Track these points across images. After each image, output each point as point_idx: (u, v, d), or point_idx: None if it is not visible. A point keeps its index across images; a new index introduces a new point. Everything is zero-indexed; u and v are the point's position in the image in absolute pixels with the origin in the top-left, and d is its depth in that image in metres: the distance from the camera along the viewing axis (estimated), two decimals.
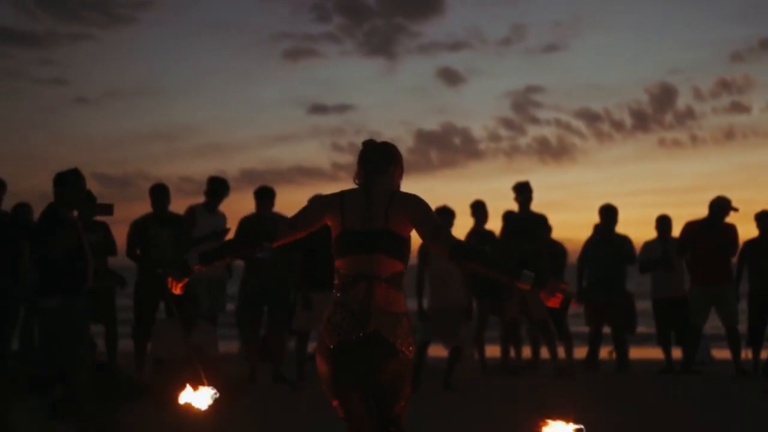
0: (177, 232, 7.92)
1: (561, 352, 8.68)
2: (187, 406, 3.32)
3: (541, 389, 7.55)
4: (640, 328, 9.63)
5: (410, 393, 3.36)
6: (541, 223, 8.82)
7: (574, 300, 3.21)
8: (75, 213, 5.48)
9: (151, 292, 7.73)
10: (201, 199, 8.17)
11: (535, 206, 8.88)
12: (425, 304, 7.94)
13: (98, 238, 7.38)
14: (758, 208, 8.83)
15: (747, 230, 8.84)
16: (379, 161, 3.37)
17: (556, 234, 9.32)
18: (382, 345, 3.21)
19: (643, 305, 9.95)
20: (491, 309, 8.93)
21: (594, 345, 9.24)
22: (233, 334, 11.16)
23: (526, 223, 8.74)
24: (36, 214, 8.59)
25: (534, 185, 8.82)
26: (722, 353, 10.50)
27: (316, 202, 3.49)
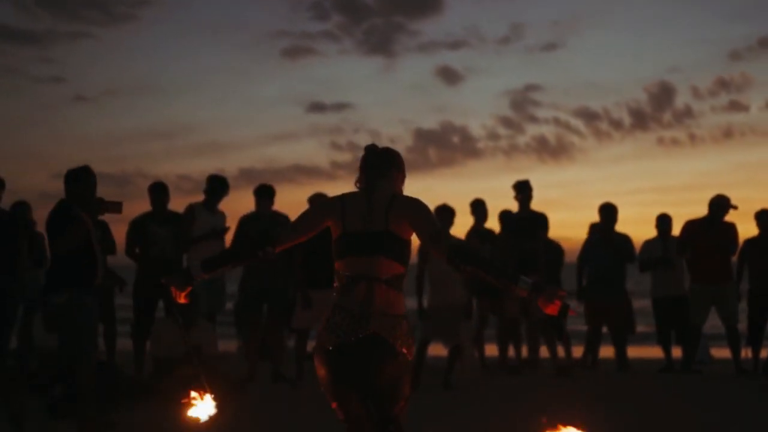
0: (176, 230, 7.90)
1: (560, 351, 8.67)
2: (192, 419, 3.31)
3: (541, 389, 7.55)
4: (640, 327, 9.63)
5: (410, 392, 3.35)
6: (541, 221, 8.82)
7: (572, 309, 3.14)
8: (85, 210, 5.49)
9: (150, 291, 7.72)
10: (200, 197, 8.16)
11: (534, 205, 8.89)
12: (425, 302, 7.95)
13: (97, 236, 7.36)
14: (757, 207, 8.84)
15: (746, 229, 8.86)
16: (380, 166, 3.38)
17: (555, 233, 9.33)
18: (382, 346, 3.19)
19: (643, 304, 9.95)
20: (491, 308, 8.92)
21: (593, 344, 9.24)
22: (232, 333, 11.18)
23: (526, 222, 8.73)
24: (35, 212, 8.62)
25: (532, 184, 8.83)
26: (722, 352, 10.50)
27: (317, 205, 3.48)
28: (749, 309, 8.76)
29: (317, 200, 7.90)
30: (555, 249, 9.30)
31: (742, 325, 8.84)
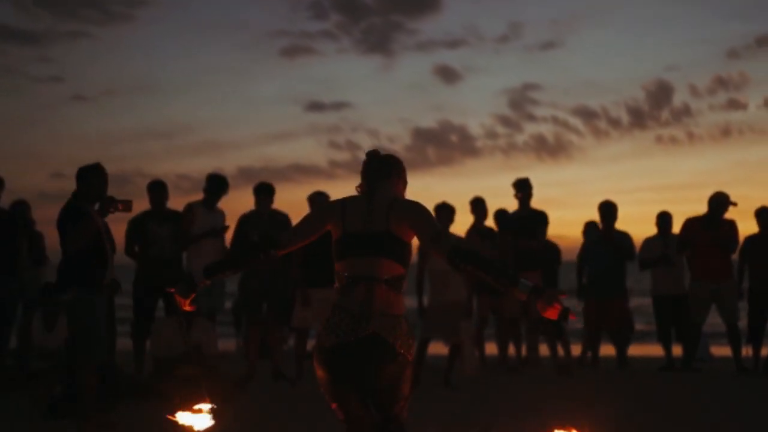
0: (175, 229, 7.89)
1: (559, 350, 8.67)
2: (187, 428, 3.29)
3: (541, 387, 7.55)
4: (640, 326, 9.63)
5: (410, 392, 3.34)
6: (541, 219, 8.81)
7: (572, 313, 3.12)
8: (96, 207, 5.49)
9: (149, 290, 7.71)
10: (199, 196, 8.15)
11: (533, 204, 8.88)
12: (425, 301, 7.94)
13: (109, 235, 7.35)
14: (755, 205, 8.85)
15: (745, 227, 8.86)
16: (381, 171, 3.39)
17: (553, 231, 9.32)
18: (382, 347, 3.18)
19: (643, 302, 9.95)
20: (491, 307, 8.91)
21: (594, 343, 9.23)
22: (232, 332, 11.18)
23: (527, 221, 8.72)
24: (34, 212, 8.61)
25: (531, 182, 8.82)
26: (721, 350, 10.50)
27: (318, 209, 3.48)
28: (749, 307, 8.75)
29: (317, 199, 7.90)
30: (552, 249, 9.30)
31: (743, 323, 8.83)
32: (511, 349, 9.06)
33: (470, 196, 9.03)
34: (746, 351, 8.86)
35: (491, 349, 9.73)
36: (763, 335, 8.77)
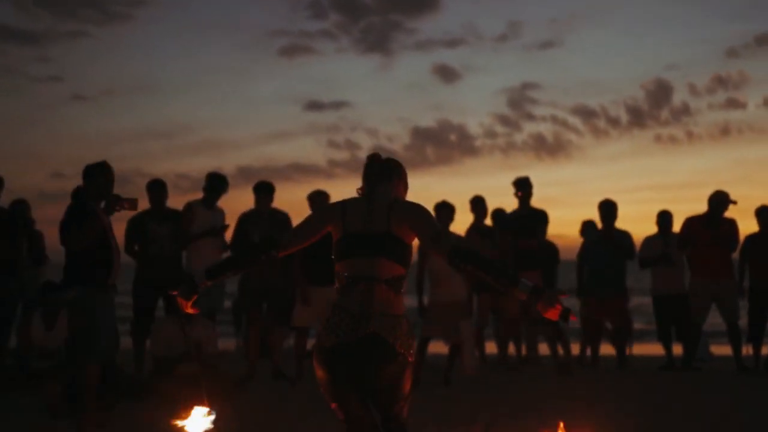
0: (175, 227, 7.88)
1: (559, 349, 8.66)
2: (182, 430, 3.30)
3: (542, 386, 7.54)
4: (641, 325, 9.62)
5: (411, 391, 3.33)
6: (541, 218, 8.80)
7: (573, 314, 3.11)
8: (102, 205, 5.49)
9: (149, 289, 7.70)
10: (198, 196, 8.14)
11: (532, 203, 8.87)
12: (425, 300, 7.94)
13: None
14: (754, 204, 8.85)
15: (744, 226, 8.86)
16: (382, 174, 3.40)
17: (552, 231, 9.32)
18: (382, 346, 3.18)
19: (643, 301, 9.94)
20: (491, 306, 8.91)
21: (594, 342, 9.23)
22: (231, 331, 11.17)
23: (527, 220, 8.71)
24: (33, 212, 8.61)
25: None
26: (721, 349, 10.50)
27: (319, 211, 3.48)
28: (750, 306, 8.75)
29: (317, 198, 7.89)
30: (550, 248, 9.30)
31: (743, 322, 8.83)
32: (511, 349, 9.06)
33: (469, 195, 9.04)
34: (747, 350, 8.86)
35: (491, 348, 9.73)
36: (764, 334, 8.77)
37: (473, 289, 8.11)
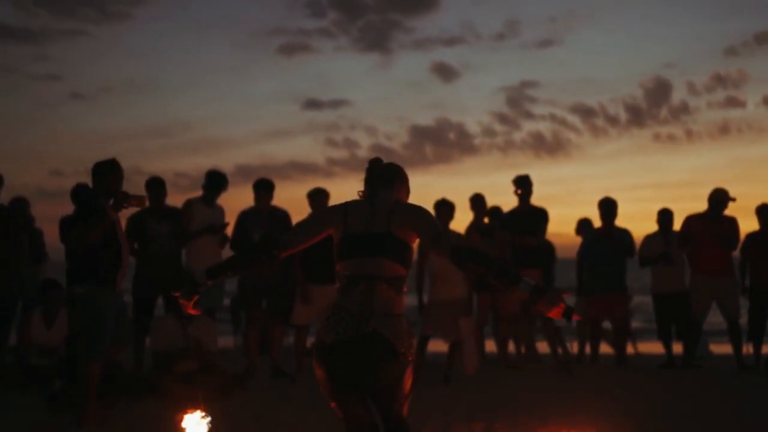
0: (174, 225, 7.87)
1: (558, 348, 8.66)
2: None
3: (541, 384, 7.54)
4: (641, 324, 9.62)
5: (411, 389, 3.33)
6: (541, 216, 8.79)
7: (575, 313, 3.09)
8: (110, 202, 5.49)
9: (149, 286, 7.69)
10: (197, 194, 8.13)
11: (532, 201, 8.85)
12: (425, 298, 7.93)
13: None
14: (754, 203, 8.84)
15: (744, 225, 8.86)
16: (383, 177, 3.42)
17: (551, 229, 9.29)
18: (382, 346, 3.17)
19: (644, 300, 9.93)
20: (491, 304, 8.90)
21: (594, 340, 9.23)
22: (230, 329, 11.18)
23: (527, 218, 8.70)
24: (33, 209, 8.61)
25: None
26: (721, 348, 10.49)
27: (321, 212, 3.49)
28: (750, 304, 8.75)
29: (316, 196, 7.89)
30: (547, 246, 9.29)
31: (743, 320, 8.83)
32: (511, 347, 9.05)
33: (468, 193, 9.04)
34: (747, 348, 8.85)
35: (491, 346, 9.72)
36: (764, 333, 8.76)
37: (473, 288, 8.10)
